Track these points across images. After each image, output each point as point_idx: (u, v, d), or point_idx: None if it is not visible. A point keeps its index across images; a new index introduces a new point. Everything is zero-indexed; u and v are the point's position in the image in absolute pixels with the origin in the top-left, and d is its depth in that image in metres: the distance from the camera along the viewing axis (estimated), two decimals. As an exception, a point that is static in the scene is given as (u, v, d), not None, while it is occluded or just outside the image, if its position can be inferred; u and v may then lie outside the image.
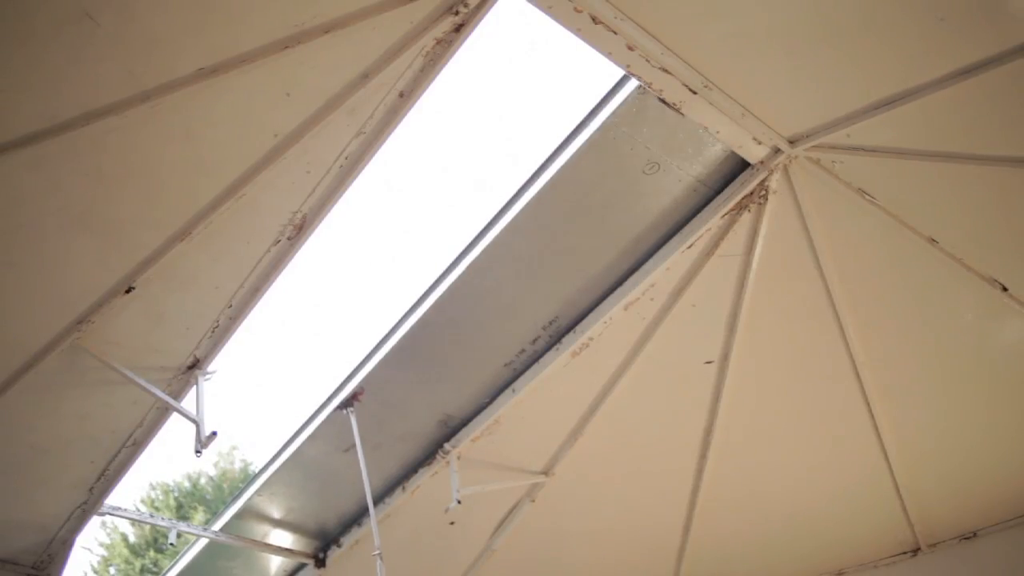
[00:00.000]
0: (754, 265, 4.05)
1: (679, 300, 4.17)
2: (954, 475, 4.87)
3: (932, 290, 4.09)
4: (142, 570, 16.77)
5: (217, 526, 5.61)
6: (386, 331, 4.37)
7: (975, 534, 5.10)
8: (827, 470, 5.01)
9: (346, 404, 4.47)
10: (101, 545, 17.31)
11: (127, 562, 16.97)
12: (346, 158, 3.29)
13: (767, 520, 5.34)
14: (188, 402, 3.90)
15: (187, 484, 18.57)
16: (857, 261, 4.02)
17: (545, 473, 5.00)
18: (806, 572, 5.62)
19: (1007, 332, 4.19)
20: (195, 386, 3.86)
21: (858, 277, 4.08)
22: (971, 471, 4.83)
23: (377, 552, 4.20)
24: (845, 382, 4.50)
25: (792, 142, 3.54)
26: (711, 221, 3.84)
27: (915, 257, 3.91)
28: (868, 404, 4.56)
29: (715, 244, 3.97)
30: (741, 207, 3.84)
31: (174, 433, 4.16)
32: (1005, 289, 3.95)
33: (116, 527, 17.19)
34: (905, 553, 5.34)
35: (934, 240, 3.81)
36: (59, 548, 4.51)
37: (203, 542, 5.38)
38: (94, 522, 4.49)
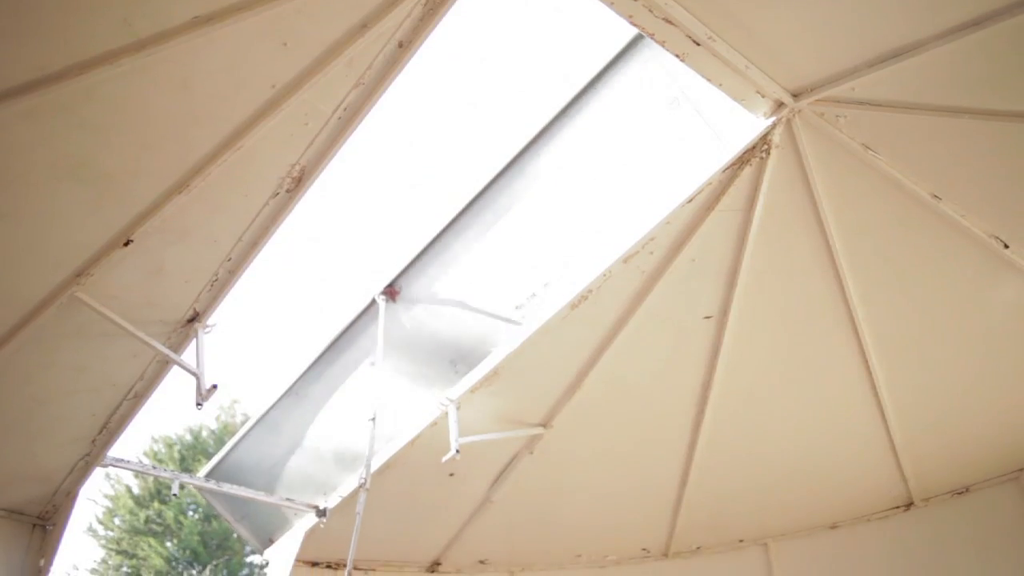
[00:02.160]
0: (755, 220, 4.03)
1: (679, 254, 4.16)
2: (948, 431, 4.92)
3: (933, 247, 4.08)
4: (146, 521, 17.01)
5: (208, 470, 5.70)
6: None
7: (967, 489, 5.17)
8: (823, 425, 5.05)
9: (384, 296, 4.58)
10: (106, 497, 17.55)
11: (132, 513, 17.22)
12: (345, 109, 3.25)
13: (763, 474, 5.40)
14: (188, 355, 3.91)
15: (189, 437, 18.76)
16: (858, 217, 4.00)
17: (544, 425, 5.04)
18: (801, 525, 5.71)
19: (1007, 290, 4.19)
20: (195, 339, 3.86)
21: (859, 233, 4.07)
22: (965, 427, 4.88)
23: (363, 483, 4.23)
24: (843, 338, 4.51)
25: (796, 96, 3.50)
26: (712, 175, 3.80)
27: (917, 214, 3.89)
28: (866, 360, 4.59)
29: (716, 199, 3.94)
30: (743, 162, 3.80)
31: (175, 386, 4.19)
32: (1006, 246, 3.95)
33: (120, 479, 17.43)
34: (898, 507, 5.42)
35: (936, 196, 3.79)
36: (63, 499, 4.55)
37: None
38: (98, 474, 4.54)
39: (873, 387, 4.71)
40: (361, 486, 4.25)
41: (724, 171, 3.81)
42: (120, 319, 3.59)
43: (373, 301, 4.78)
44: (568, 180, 4.28)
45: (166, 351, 3.78)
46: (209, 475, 5.77)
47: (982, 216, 3.85)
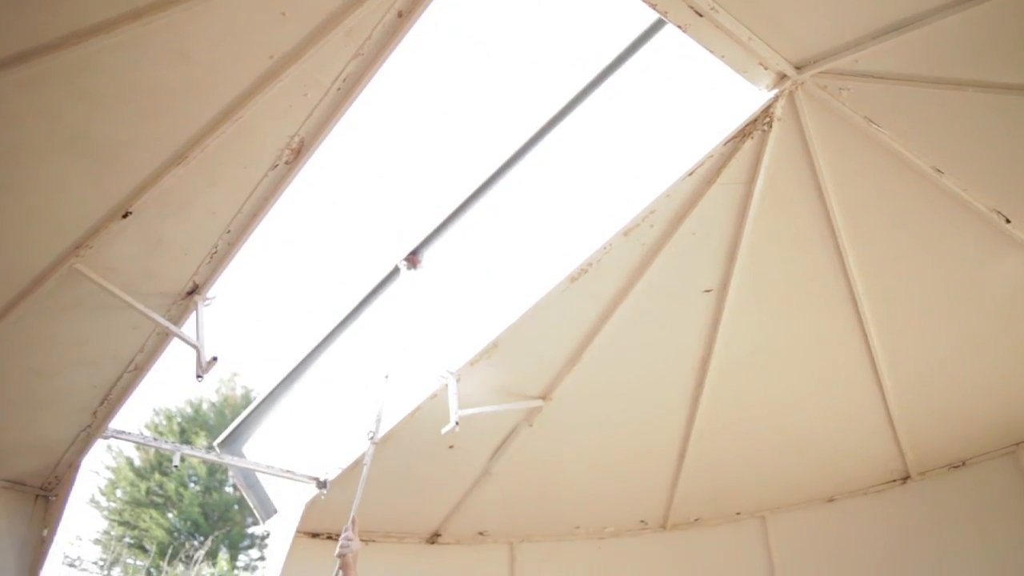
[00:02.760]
0: (756, 194, 4.02)
1: (679, 227, 4.15)
2: (946, 405, 4.94)
3: (934, 221, 4.07)
4: (148, 492, 17.14)
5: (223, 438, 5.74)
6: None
7: (964, 463, 5.20)
8: (822, 399, 5.07)
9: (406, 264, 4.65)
10: (108, 468, 17.67)
11: (133, 485, 17.33)
12: (344, 80, 3.22)
13: (761, 447, 5.43)
14: (188, 327, 3.91)
15: (189, 410, 18.84)
16: (860, 191, 3.99)
17: (543, 398, 5.06)
18: (798, 498, 5.74)
19: (1008, 265, 4.19)
20: (195, 312, 3.86)
21: (860, 207, 4.06)
22: (962, 402, 4.89)
23: (372, 436, 4.26)
24: (843, 312, 4.51)
25: (799, 68, 3.47)
26: (713, 148, 3.79)
27: (918, 188, 3.88)
28: (865, 334, 4.59)
29: (717, 172, 3.92)
30: (745, 134, 3.78)
31: (175, 358, 4.19)
32: (1008, 221, 3.94)
33: (121, 451, 17.53)
34: (895, 480, 5.45)
35: (938, 170, 3.77)
36: (65, 470, 4.58)
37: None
38: (100, 446, 4.56)
39: (872, 361, 4.72)
40: (370, 439, 4.28)
41: (725, 144, 3.79)
42: (119, 291, 3.59)
43: (395, 268, 4.79)
44: (581, 157, 4.27)
45: (166, 323, 3.78)
46: (224, 443, 5.84)
47: (984, 190, 3.84)
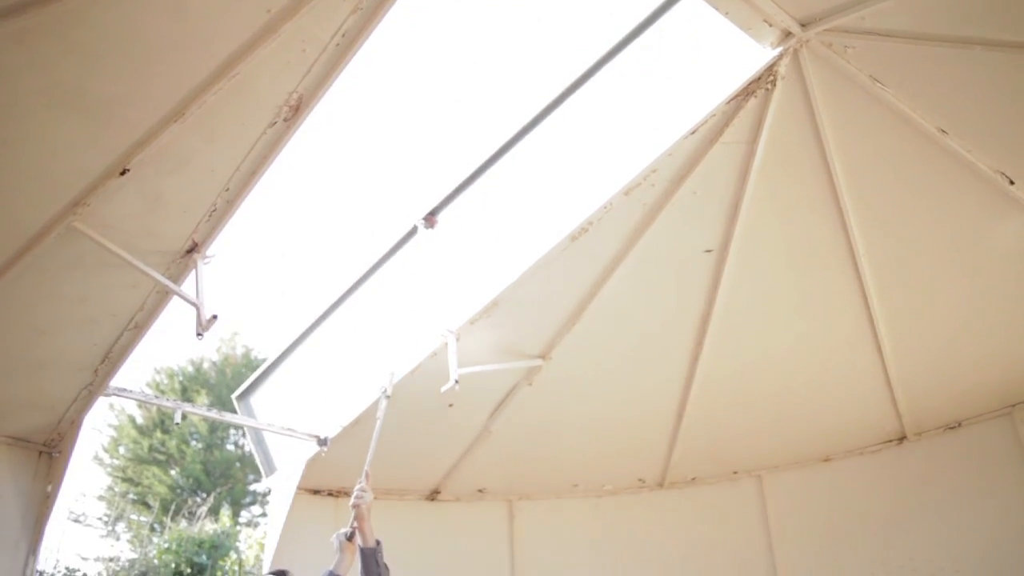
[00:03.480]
0: (758, 153, 3.99)
1: (680, 187, 4.13)
2: (944, 367, 4.96)
3: (937, 183, 4.05)
4: (150, 450, 17.29)
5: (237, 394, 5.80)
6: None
7: (960, 424, 5.24)
8: (820, 360, 5.09)
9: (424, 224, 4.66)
10: (110, 426, 17.80)
11: (135, 442, 17.48)
12: (343, 35, 3.16)
13: (759, 407, 5.46)
14: (188, 286, 3.90)
15: (190, 369, 18.93)
16: (863, 152, 3.96)
17: (543, 357, 5.07)
18: (794, 458, 5.80)
19: (1010, 227, 4.17)
20: (194, 270, 3.84)
21: (864, 168, 4.03)
22: (960, 363, 4.91)
23: (385, 391, 4.30)
24: (844, 274, 4.51)
25: (804, 25, 3.43)
26: (716, 107, 3.75)
27: (922, 148, 3.85)
28: (865, 296, 4.59)
29: (719, 131, 3.89)
30: (748, 93, 3.74)
31: (176, 317, 4.19)
32: (1012, 182, 3.91)
33: (123, 409, 17.64)
34: (891, 441, 5.49)
35: (943, 130, 3.74)
36: (68, 428, 4.60)
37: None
38: (102, 404, 4.57)
39: (871, 322, 4.73)
40: (383, 394, 4.32)
41: (728, 102, 3.76)
42: (119, 249, 3.57)
43: (413, 228, 4.79)
44: (589, 118, 4.23)
45: (165, 281, 3.77)
46: (239, 399, 5.90)
47: (988, 151, 3.81)
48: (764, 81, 3.70)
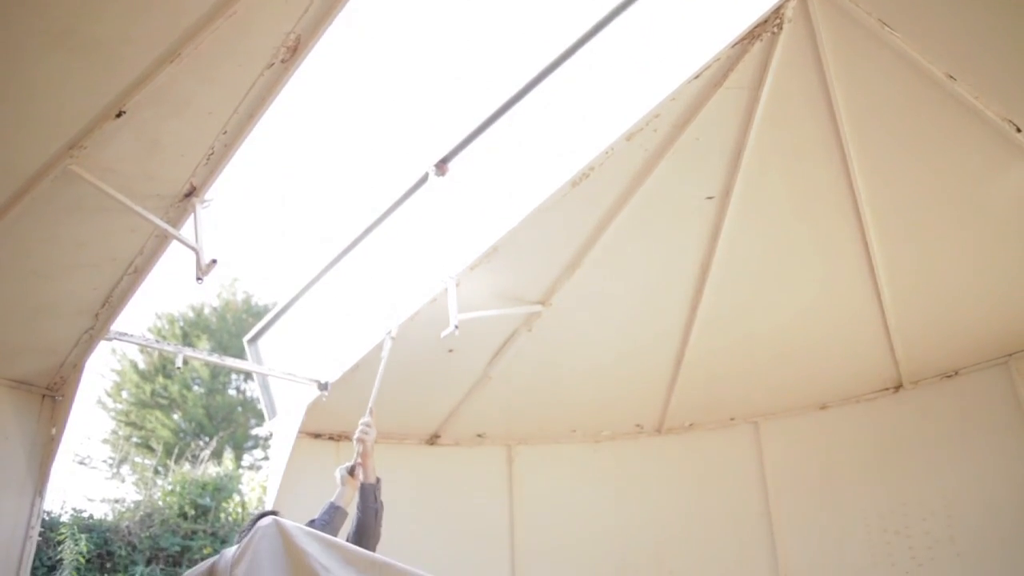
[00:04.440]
0: (763, 99, 3.94)
1: (683, 133, 4.09)
2: (942, 315, 4.97)
3: (943, 130, 4.00)
4: (152, 394, 17.45)
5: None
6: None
7: (956, 372, 5.26)
8: (820, 308, 5.10)
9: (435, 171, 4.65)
10: (113, 371, 17.94)
11: (138, 387, 17.63)
12: (341, -27, 3.10)
13: (757, 355, 5.49)
14: (187, 230, 3.88)
15: (191, 314, 18.99)
16: (870, 98, 3.91)
17: (542, 303, 5.08)
18: (791, 405, 5.84)
19: (1014, 176, 4.14)
20: (192, 214, 3.82)
21: (869, 115, 3.98)
22: (959, 312, 4.92)
23: (390, 332, 4.35)
24: (845, 222, 4.49)
25: (813, -35, 3.35)
26: (721, 50, 3.68)
27: (930, 95, 3.80)
28: (866, 244, 4.58)
29: (723, 75, 3.83)
30: (753, 36, 3.68)
31: (176, 263, 4.18)
32: (1019, 130, 3.87)
33: (125, 354, 17.74)
34: (887, 389, 5.53)
35: (951, 76, 3.68)
36: (70, 371, 4.63)
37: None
38: (104, 349, 4.59)
39: (871, 271, 4.72)
40: (388, 335, 4.36)
41: (733, 46, 3.69)
42: (116, 193, 3.54)
43: (425, 175, 4.76)
44: (596, 64, 4.17)
45: (164, 225, 3.75)
46: (250, 342, 5.95)
47: (997, 99, 3.76)
48: (770, 24, 3.64)
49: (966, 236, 4.52)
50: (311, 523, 3.58)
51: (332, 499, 3.79)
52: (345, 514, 3.75)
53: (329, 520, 3.67)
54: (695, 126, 4.06)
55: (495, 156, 4.72)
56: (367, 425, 3.87)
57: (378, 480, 3.76)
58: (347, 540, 3.42)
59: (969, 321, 4.97)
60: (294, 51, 3.30)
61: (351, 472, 3.82)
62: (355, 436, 3.85)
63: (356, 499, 3.74)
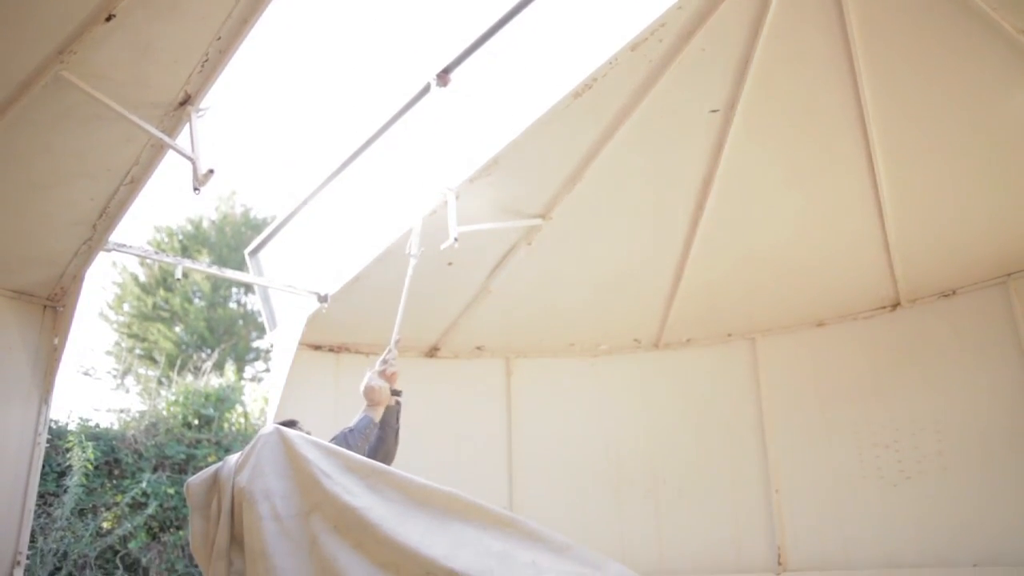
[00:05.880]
0: (772, 8, 3.83)
1: (688, 43, 3.98)
2: (943, 234, 4.95)
3: (958, 45, 3.90)
4: (154, 307, 17.57)
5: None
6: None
7: (954, 292, 5.27)
8: (821, 225, 5.07)
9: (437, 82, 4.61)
10: (114, 284, 18.00)
11: (139, 299, 17.73)
12: None
13: (756, 271, 5.50)
14: (183, 140, 3.82)
15: (190, 228, 18.94)
16: (882, 9, 3.80)
17: (542, 217, 5.06)
18: (788, 322, 5.88)
19: (1024, 92, 4.06)
20: (188, 123, 3.76)
21: (880, 26, 3.87)
22: (960, 230, 4.89)
23: (409, 251, 4.37)
24: (852, 137, 4.43)
25: None
26: (729, -44, 3.56)
27: (945, 6, 3.69)
28: (871, 161, 4.53)
29: (733, -18, 3.71)
30: (764, -59, 3.55)
31: (172, 175, 4.14)
32: (1036, 44, 3.77)
33: (125, 267, 17.78)
34: (885, 307, 5.55)
35: (968, -15, 3.56)
36: (70, 282, 4.64)
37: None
38: (104, 261, 4.59)
39: (875, 188, 4.68)
40: (408, 253, 4.38)
41: (743, -49, 3.57)
42: (110, 100, 3.47)
43: (427, 86, 4.68)
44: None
45: (159, 134, 3.69)
46: (251, 254, 5.96)
47: (1014, 10, 3.64)
48: (782, -72, 3.50)
49: (973, 154, 4.46)
50: (348, 431, 3.69)
51: (366, 412, 3.88)
52: (376, 428, 3.87)
53: (363, 429, 3.77)
54: (701, 36, 3.96)
55: (497, 67, 4.62)
56: (391, 355, 3.99)
57: (398, 403, 3.90)
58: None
59: (969, 240, 4.94)
60: (288, -48, 3.18)
61: (394, 393, 3.93)
62: (377, 367, 3.94)
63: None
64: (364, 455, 3.65)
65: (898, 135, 4.39)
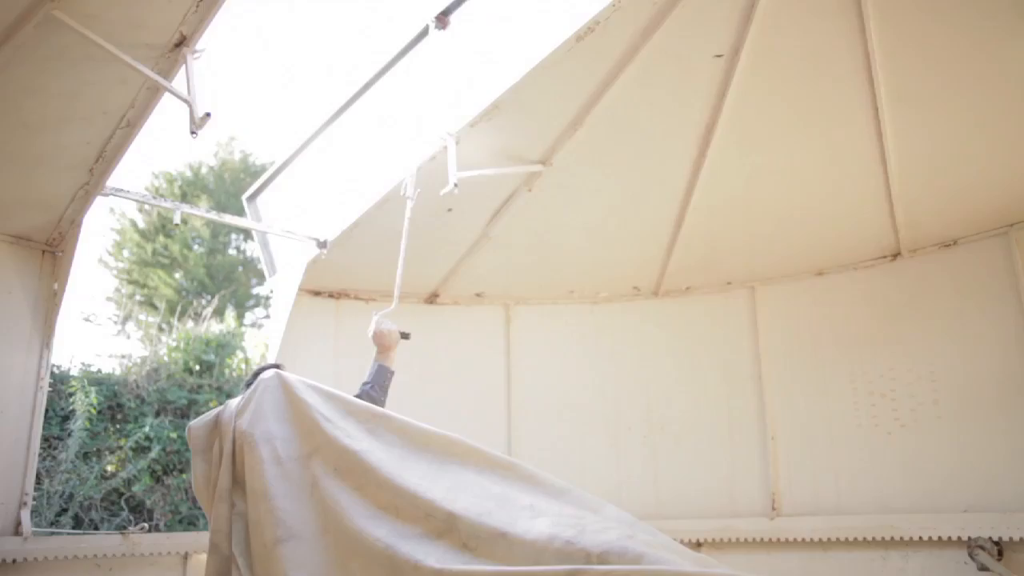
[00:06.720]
0: (779, -52, 3.74)
1: (694, -15, 3.90)
2: (946, 183, 4.91)
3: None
4: (154, 253, 17.56)
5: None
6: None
7: (955, 242, 5.25)
8: (824, 174, 5.03)
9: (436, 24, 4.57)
10: (113, 230, 17.97)
11: (139, 246, 17.71)
12: None
13: (758, 220, 5.47)
14: (179, 83, 3.77)
15: (189, 174, 18.83)
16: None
17: (543, 163, 5.02)
18: (788, 271, 5.88)
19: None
20: (184, 65, 3.70)
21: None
22: (962, 180, 4.85)
23: (405, 191, 4.37)
24: (857, 84, 4.36)
25: None
26: None
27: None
28: (876, 108, 4.47)
29: (740, -79, 3.62)
30: None
31: (169, 120, 4.09)
32: (1048, -10, 3.68)
33: (124, 214, 17.72)
34: (885, 257, 5.54)
35: (981, -78, 3.47)
36: (69, 227, 4.63)
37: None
38: (103, 206, 4.57)
39: (879, 136, 4.62)
40: (404, 195, 4.37)
41: None
42: (103, 41, 3.41)
43: (425, 28, 4.61)
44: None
45: (155, 76, 3.63)
46: (249, 199, 5.94)
47: (1025, -49, 3.56)
48: None
49: (980, 103, 4.39)
50: (368, 387, 3.74)
51: (377, 360, 3.91)
52: (392, 374, 3.92)
53: (380, 380, 3.81)
54: (707, -22, 3.87)
55: (498, 9, 4.53)
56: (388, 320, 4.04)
57: (392, 374, 3.96)
58: None
59: (972, 190, 4.91)
60: None
61: (404, 336, 4.01)
62: (373, 328, 3.97)
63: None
64: (383, 405, 3.70)
65: (903, 81, 4.32)
